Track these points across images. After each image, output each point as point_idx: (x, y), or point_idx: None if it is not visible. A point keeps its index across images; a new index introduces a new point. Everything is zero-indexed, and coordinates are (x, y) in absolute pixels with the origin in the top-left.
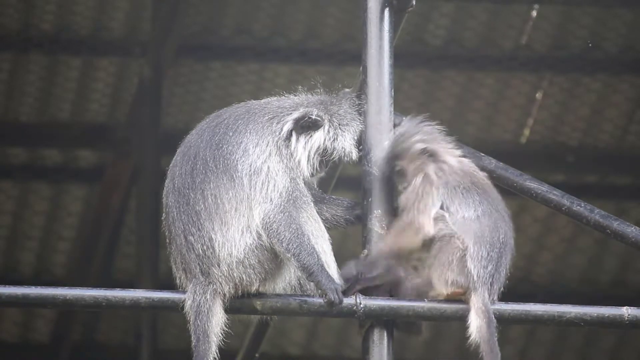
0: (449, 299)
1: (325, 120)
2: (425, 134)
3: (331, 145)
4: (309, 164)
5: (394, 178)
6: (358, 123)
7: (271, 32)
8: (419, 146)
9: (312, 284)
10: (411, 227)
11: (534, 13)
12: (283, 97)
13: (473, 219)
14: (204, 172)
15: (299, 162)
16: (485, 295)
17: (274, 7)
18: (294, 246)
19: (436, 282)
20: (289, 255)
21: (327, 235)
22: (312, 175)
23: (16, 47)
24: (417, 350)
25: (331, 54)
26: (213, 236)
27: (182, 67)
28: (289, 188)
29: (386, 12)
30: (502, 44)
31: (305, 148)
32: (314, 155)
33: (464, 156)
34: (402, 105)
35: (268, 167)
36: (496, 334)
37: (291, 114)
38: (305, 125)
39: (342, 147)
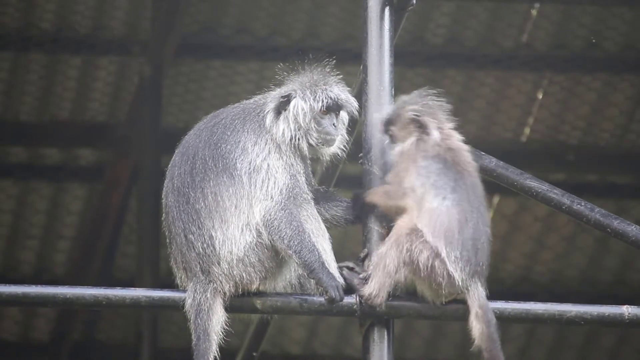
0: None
1: (297, 89)
2: (423, 106)
3: (314, 100)
4: (307, 130)
5: (386, 146)
6: (332, 76)
7: (271, 31)
8: (410, 115)
9: (312, 282)
10: (396, 194)
11: (534, 12)
12: (266, 94)
13: (443, 212)
14: (203, 171)
15: (294, 137)
16: (478, 294)
17: (274, 6)
18: (295, 243)
19: (426, 292)
20: (291, 252)
21: (327, 235)
22: (321, 143)
23: (16, 46)
24: (417, 349)
25: (331, 53)
26: (213, 234)
27: (182, 66)
28: (289, 185)
29: (386, 10)
30: (503, 42)
31: (288, 120)
32: (304, 118)
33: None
34: None
35: (268, 165)
36: (498, 336)
37: (268, 106)
38: (282, 106)
39: (327, 96)
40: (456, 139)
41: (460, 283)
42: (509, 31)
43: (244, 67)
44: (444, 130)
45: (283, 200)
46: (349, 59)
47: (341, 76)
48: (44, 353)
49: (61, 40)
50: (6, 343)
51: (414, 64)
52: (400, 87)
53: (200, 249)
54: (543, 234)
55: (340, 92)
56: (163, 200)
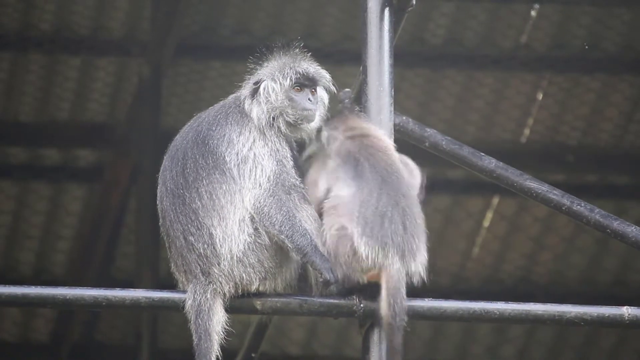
0: (374, 280)
1: (266, 73)
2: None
3: (283, 77)
4: (282, 108)
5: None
6: (301, 55)
7: (270, 32)
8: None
9: (312, 281)
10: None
11: (534, 13)
12: (243, 87)
13: (349, 198)
14: (195, 170)
15: (270, 118)
16: (390, 274)
17: (274, 7)
18: (287, 228)
19: (348, 270)
20: (283, 237)
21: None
22: (300, 119)
23: (16, 46)
24: (416, 350)
25: (330, 54)
26: (213, 232)
27: (182, 67)
28: (276, 171)
29: (386, 11)
30: (502, 43)
31: (260, 103)
32: (276, 98)
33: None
34: (403, 105)
35: (254, 154)
36: (402, 324)
37: (243, 95)
38: (255, 92)
39: (295, 72)
40: (359, 129)
41: (366, 256)
42: (508, 32)
43: (243, 67)
44: (341, 127)
45: (271, 187)
46: (349, 59)
47: (340, 76)
48: (43, 354)
49: (60, 41)
50: (5, 344)
51: (413, 65)
52: (400, 88)
53: (201, 250)
54: (543, 235)
55: (309, 66)
56: (158, 206)
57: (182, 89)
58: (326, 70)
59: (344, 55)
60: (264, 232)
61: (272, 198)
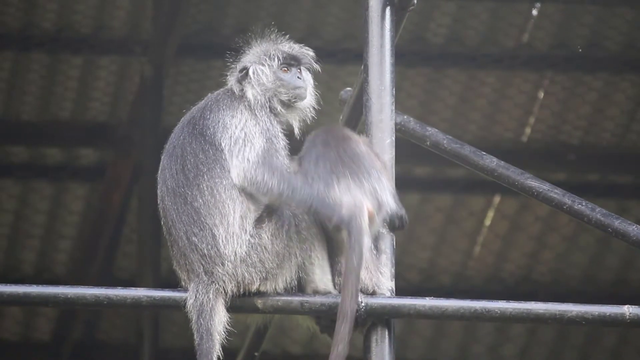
0: None
1: (249, 59)
2: None
3: (270, 59)
4: (274, 89)
5: None
6: (281, 38)
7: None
8: None
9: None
10: None
11: (535, 11)
12: (228, 79)
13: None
14: (195, 165)
15: (266, 99)
16: (349, 204)
17: (275, 6)
18: (285, 187)
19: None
20: (284, 198)
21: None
22: (294, 98)
23: (17, 45)
24: (418, 349)
25: (332, 53)
26: (216, 232)
27: (183, 66)
28: (265, 147)
29: (387, 10)
30: (504, 42)
31: (253, 86)
32: (267, 79)
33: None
34: (404, 104)
35: (245, 134)
36: (358, 247)
37: (230, 82)
38: (244, 78)
39: (280, 51)
40: (325, 128)
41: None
42: (510, 31)
43: None
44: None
45: (259, 160)
46: (350, 58)
47: (342, 75)
48: (44, 353)
49: (62, 40)
50: (7, 343)
51: (415, 64)
52: (401, 87)
53: (205, 251)
54: (544, 234)
55: (292, 46)
56: (159, 205)
57: (184, 88)
58: (328, 69)
59: (345, 55)
60: (255, 192)
61: (263, 167)
